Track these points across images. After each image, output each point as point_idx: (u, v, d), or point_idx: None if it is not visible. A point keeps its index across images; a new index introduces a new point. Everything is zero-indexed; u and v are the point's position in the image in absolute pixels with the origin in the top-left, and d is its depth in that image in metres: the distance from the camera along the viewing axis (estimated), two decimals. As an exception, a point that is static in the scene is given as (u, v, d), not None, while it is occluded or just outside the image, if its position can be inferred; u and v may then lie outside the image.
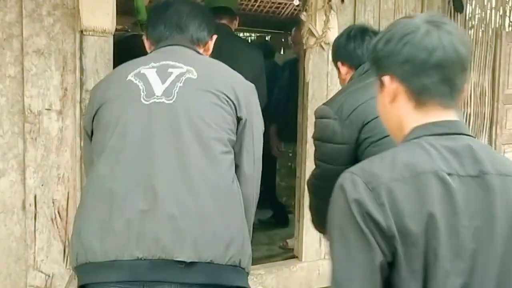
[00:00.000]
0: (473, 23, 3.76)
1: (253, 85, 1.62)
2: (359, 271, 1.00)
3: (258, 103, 1.63)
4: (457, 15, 3.67)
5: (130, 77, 1.52)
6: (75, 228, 1.52)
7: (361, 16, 3.22)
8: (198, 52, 1.68)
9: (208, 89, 1.48)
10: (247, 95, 1.56)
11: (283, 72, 4.34)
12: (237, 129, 1.53)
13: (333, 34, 3.01)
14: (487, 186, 1.04)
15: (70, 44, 2.37)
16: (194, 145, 1.44)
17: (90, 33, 2.36)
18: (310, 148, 3.06)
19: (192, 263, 1.39)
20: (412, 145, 1.08)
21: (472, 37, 3.79)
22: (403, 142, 1.11)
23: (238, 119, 1.52)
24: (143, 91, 1.48)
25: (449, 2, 3.54)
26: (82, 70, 2.38)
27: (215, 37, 1.74)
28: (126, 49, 4.56)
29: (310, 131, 2.95)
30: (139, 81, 1.49)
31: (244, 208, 1.55)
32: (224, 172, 1.49)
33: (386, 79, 1.13)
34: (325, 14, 2.80)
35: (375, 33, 1.91)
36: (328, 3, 2.76)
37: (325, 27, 2.79)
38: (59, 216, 2.41)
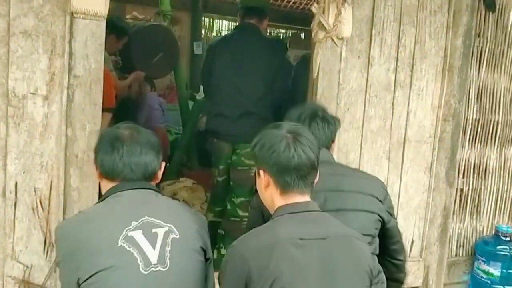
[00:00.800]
0: (507, 22, 3.46)
1: (204, 218, 1.85)
2: None
3: None
4: (489, 15, 3.40)
5: (121, 242, 1.56)
6: None
7: (380, 12, 2.99)
8: (155, 189, 1.76)
9: (190, 248, 1.66)
10: (207, 232, 1.76)
11: (300, 66, 4.16)
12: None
13: (347, 29, 2.81)
14: (330, 244, 1.54)
15: (60, 26, 2.27)
16: None
17: (81, 16, 2.25)
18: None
19: None
20: (275, 221, 1.60)
21: (505, 39, 3.51)
22: (271, 218, 1.63)
23: (206, 260, 1.73)
24: (140, 261, 1.56)
25: (479, 0, 3.27)
26: (71, 54, 2.28)
27: (163, 165, 1.80)
28: (147, 38, 4.49)
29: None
30: (132, 249, 1.56)
31: None
32: None
33: (262, 172, 1.65)
34: (337, 7, 2.61)
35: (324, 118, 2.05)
36: (341, -5, 2.56)
37: (336, 21, 2.59)
38: (41, 205, 2.31)
